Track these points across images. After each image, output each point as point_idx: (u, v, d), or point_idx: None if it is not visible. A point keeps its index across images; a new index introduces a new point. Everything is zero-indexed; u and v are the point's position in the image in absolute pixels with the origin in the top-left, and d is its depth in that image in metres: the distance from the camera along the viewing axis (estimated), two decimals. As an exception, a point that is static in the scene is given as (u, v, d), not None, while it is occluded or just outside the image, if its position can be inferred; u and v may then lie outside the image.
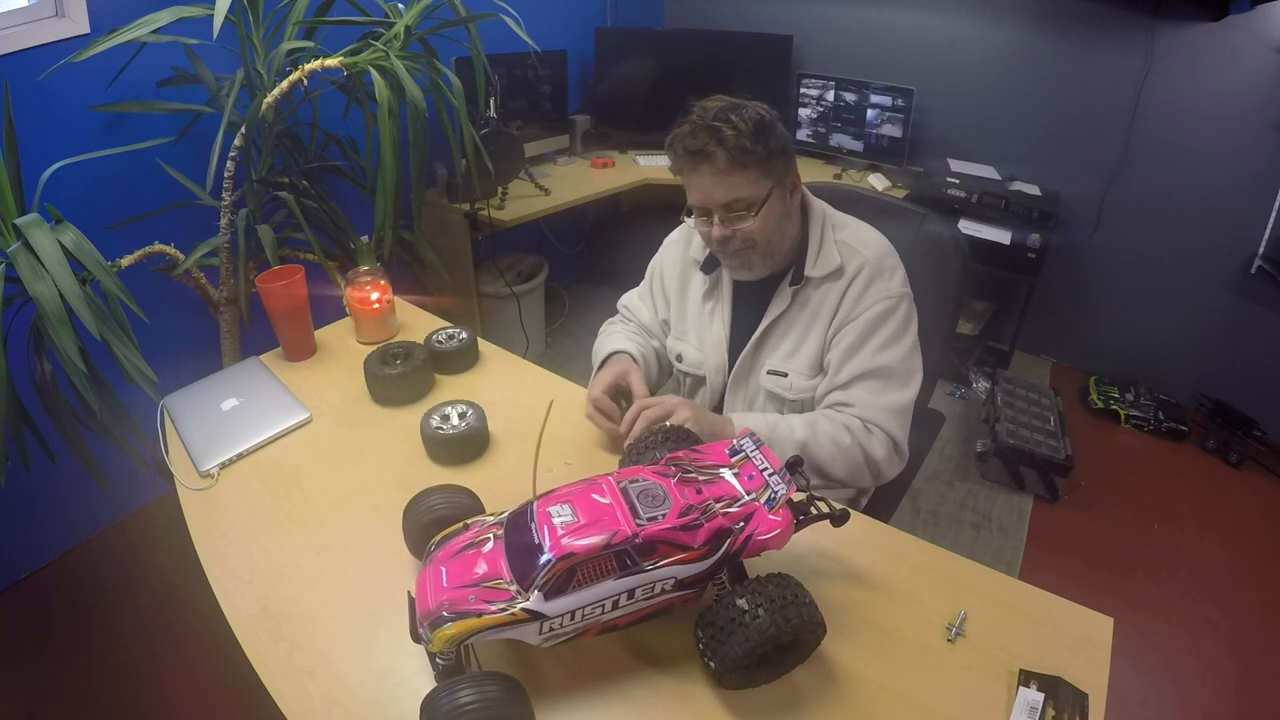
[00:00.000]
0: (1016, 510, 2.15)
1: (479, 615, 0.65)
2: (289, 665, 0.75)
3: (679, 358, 1.23)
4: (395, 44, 1.56)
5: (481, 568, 0.68)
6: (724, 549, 0.70)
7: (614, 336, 1.25)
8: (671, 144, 1.03)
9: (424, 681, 0.71)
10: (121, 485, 1.51)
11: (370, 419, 1.14)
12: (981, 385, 2.68)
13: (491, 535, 0.72)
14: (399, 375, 1.15)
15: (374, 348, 1.24)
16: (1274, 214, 2.25)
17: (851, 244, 1.09)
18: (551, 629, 0.67)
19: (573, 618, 0.67)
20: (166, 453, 1.09)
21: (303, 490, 0.99)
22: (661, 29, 3.24)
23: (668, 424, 0.95)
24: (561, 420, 1.14)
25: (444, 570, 0.69)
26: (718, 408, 1.20)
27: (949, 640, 0.77)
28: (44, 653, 1.69)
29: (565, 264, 3.20)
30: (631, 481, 0.73)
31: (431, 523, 0.80)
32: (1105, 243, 2.62)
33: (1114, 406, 2.55)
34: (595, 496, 0.71)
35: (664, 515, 0.68)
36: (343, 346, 1.34)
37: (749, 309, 1.15)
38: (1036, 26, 2.53)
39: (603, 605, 0.67)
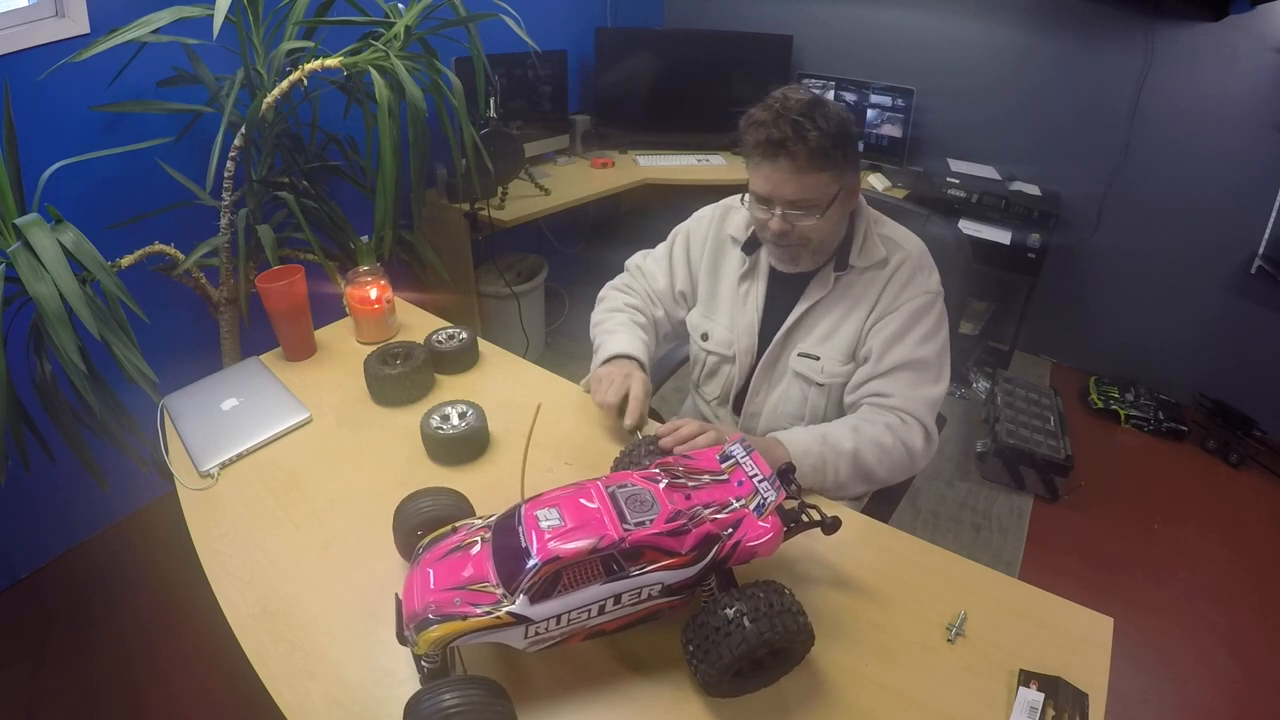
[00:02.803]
0: (1016, 510, 2.15)
1: (464, 618, 0.65)
2: (289, 665, 0.75)
3: (705, 336, 1.23)
4: (395, 44, 1.56)
5: (468, 570, 0.68)
6: (711, 555, 0.70)
7: (619, 333, 1.20)
8: (748, 129, 1.00)
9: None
10: (121, 485, 1.51)
11: (370, 419, 1.14)
12: (981, 385, 2.68)
13: (479, 538, 0.71)
14: (399, 375, 1.15)
15: (374, 348, 1.24)
16: (1274, 214, 2.25)
17: (893, 238, 1.11)
18: (537, 633, 0.67)
19: (558, 622, 0.67)
20: (166, 453, 1.09)
21: (303, 490, 0.99)
22: (661, 29, 3.24)
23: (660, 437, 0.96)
24: (562, 420, 1.14)
25: (431, 572, 0.69)
26: (743, 389, 1.21)
27: (949, 640, 0.77)
28: (44, 653, 1.69)
29: (565, 264, 3.20)
30: (620, 486, 0.72)
31: (419, 525, 0.80)
32: (1105, 243, 2.62)
33: (1114, 406, 2.55)
34: (583, 501, 0.71)
35: (651, 520, 0.68)
36: (343, 346, 1.34)
37: (783, 293, 1.15)
38: (1037, 26, 2.52)
39: (589, 610, 0.67)
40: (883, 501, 1.20)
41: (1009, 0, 2.55)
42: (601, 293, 1.32)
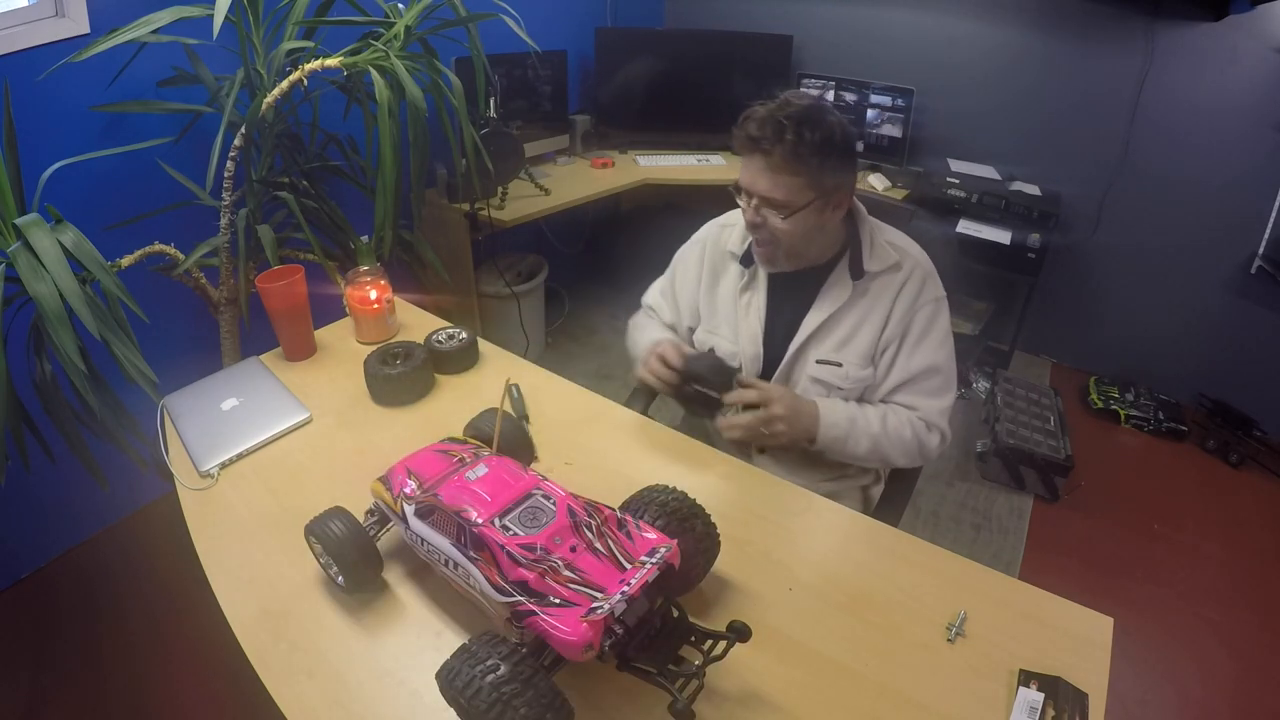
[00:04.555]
0: (1016, 510, 2.15)
1: (391, 490, 0.80)
2: (289, 665, 0.75)
3: (711, 350, 1.24)
4: (395, 44, 1.56)
5: (432, 467, 0.81)
6: (520, 602, 0.65)
7: (650, 328, 1.31)
8: (743, 119, 1.04)
9: (424, 682, 0.71)
10: (122, 485, 1.51)
11: (370, 419, 1.14)
12: (981, 385, 2.68)
13: (470, 458, 0.81)
14: (399, 375, 1.15)
15: (374, 348, 1.24)
16: (1274, 214, 2.25)
17: (899, 245, 1.14)
18: (411, 540, 0.78)
19: (421, 544, 0.76)
20: (166, 453, 1.09)
21: (303, 490, 0.99)
22: (661, 29, 3.24)
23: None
24: (563, 420, 1.14)
25: (426, 453, 0.84)
26: None
27: (949, 640, 0.77)
28: (44, 653, 1.69)
29: (565, 264, 3.20)
30: (545, 496, 0.74)
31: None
32: (1105, 243, 2.62)
33: (1114, 406, 2.55)
34: (507, 479, 0.76)
35: (514, 534, 0.69)
36: (343, 346, 1.34)
37: (788, 301, 1.17)
38: (1037, 26, 2.52)
39: (439, 556, 0.74)
40: (893, 506, 1.21)
41: (1009, 0, 2.55)
42: (629, 323, 1.38)
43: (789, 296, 1.16)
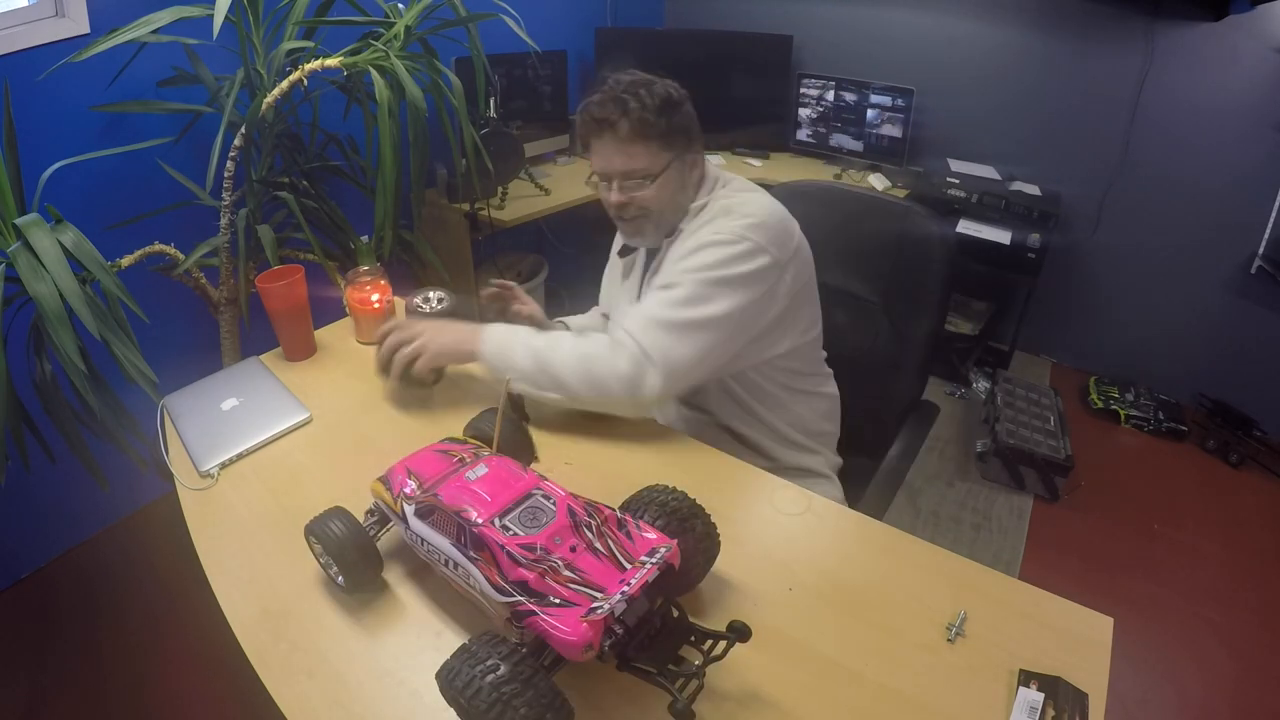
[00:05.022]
0: (1016, 510, 2.15)
1: (391, 490, 0.79)
2: (289, 665, 0.75)
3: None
4: (395, 44, 1.56)
5: (432, 467, 0.80)
6: (520, 602, 0.65)
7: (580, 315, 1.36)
8: (580, 111, 1.07)
9: (424, 682, 0.71)
10: (122, 485, 1.51)
11: (370, 419, 1.14)
12: (981, 385, 2.68)
13: (470, 458, 0.81)
14: (435, 316, 1.19)
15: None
16: (1274, 214, 2.25)
17: (726, 195, 1.12)
18: (411, 540, 0.78)
19: (421, 544, 0.76)
20: (166, 453, 1.09)
21: (303, 490, 0.99)
22: (661, 29, 3.24)
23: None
24: (563, 420, 1.14)
25: (426, 453, 0.83)
26: None
27: (949, 640, 0.77)
28: (44, 653, 1.69)
29: (565, 264, 3.20)
30: (545, 495, 0.74)
31: None
32: (1105, 243, 2.62)
33: (1114, 406, 2.55)
34: (507, 479, 0.76)
35: (512, 533, 0.69)
36: (343, 346, 1.33)
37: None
38: (1037, 26, 2.53)
39: (439, 556, 0.73)
40: (877, 496, 1.18)
41: (1009, 0, 2.55)
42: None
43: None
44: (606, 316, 1.35)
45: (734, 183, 1.16)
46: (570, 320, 1.36)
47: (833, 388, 1.27)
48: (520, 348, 1.03)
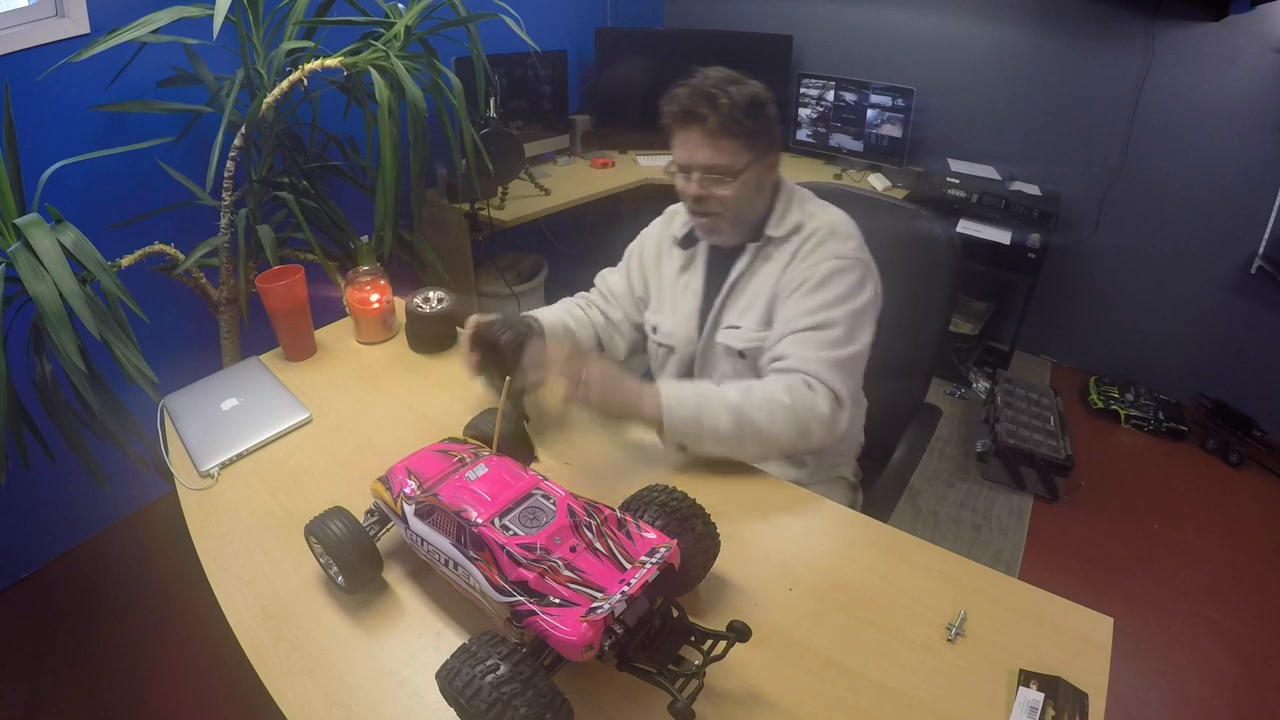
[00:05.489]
0: (1016, 510, 2.15)
1: (391, 491, 0.80)
2: (289, 665, 0.75)
3: (654, 329, 1.26)
4: (395, 44, 1.56)
5: (432, 467, 0.81)
6: (520, 602, 0.65)
7: (544, 309, 1.28)
8: (668, 101, 1.06)
9: (424, 682, 0.71)
10: (122, 485, 1.51)
11: (370, 419, 1.14)
12: (981, 385, 2.68)
13: (470, 458, 0.81)
14: (435, 316, 1.22)
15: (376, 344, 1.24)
16: (1274, 214, 2.25)
17: (813, 211, 1.13)
18: (411, 540, 0.78)
19: (421, 545, 0.76)
20: (166, 453, 1.09)
21: (303, 490, 0.99)
22: (661, 29, 3.24)
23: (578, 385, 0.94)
24: (564, 421, 1.14)
25: (426, 453, 0.84)
26: (685, 376, 1.23)
27: (949, 640, 0.77)
28: (44, 653, 1.69)
29: (565, 264, 3.20)
30: (545, 495, 0.74)
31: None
32: (1105, 243, 2.62)
33: (1114, 406, 2.55)
34: (507, 479, 0.76)
35: (512, 533, 0.69)
36: (343, 346, 1.33)
37: (718, 280, 1.18)
38: (1037, 26, 2.53)
39: (439, 556, 0.74)
40: (878, 502, 1.20)
41: (1009, 0, 2.55)
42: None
43: (720, 275, 1.17)
44: (604, 313, 1.31)
45: (808, 195, 1.16)
46: (541, 314, 1.25)
47: (862, 396, 1.25)
48: (716, 410, 0.97)
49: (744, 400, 0.98)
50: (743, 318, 1.14)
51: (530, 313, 1.24)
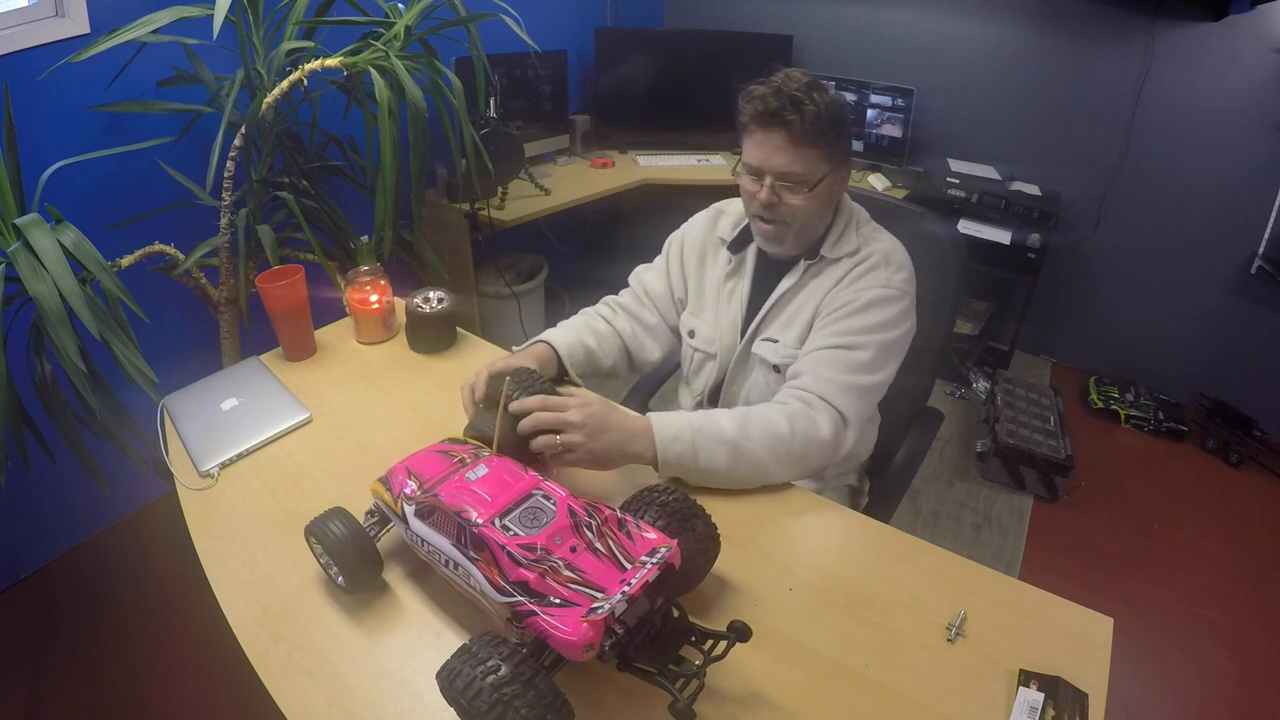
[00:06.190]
0: (1016, 510, 2.15)
1: (391, 491, 0.79)
2: (289, 665, 0.75)
3: (692, 333, 1.24)
4: (395, 44, 1.56)
5: (432, 468, 0.80)
6: (521, 602, 0.65)
7: (564, 323, 1.24)
8: (746, 101, 1.03)
9: (424, 682, 0.71)
10: (122, 485, 1.51)
11: (370, 419, 1.14)
12: (981, 385, 2.68)
13: (470, 458, 0.81)
14: (435, 316, 1.24)
15: (376, 343, 1.24)
16: (1274, 214, 2.25)
17: (871, 236, 1.12)
18: (411, 540, 0.78)
19: (422, 545, 0.76)
20: (166, 453, 1.09)
21: (303, 490, 0.99)
22: (661, 29, 3.24)
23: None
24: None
25: (426, 454, 0.83)
26: (719, 383, 1.22)
27: (949, 640, 0.77)
28: (44, 653, 1.69)
29: (565, 264, 3.20)
30: (545, 495, 0.74)
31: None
32: (1105, 243, 2.62)
33: (1114, 406, 2.55)
34: (507, 479, 0.76)
35: (512, 533, 0.69)
36: (343, 346, 1.33)
37: (766, 289, 1.15)
38: (1037, 26, 2.53)
39: (439, 556, 0.74)
40: (881, 505, 1.20)
41: (1009, 0, 2.55)
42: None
43: (768, 284, 1.15)
44: (636, 318, 1.27)
45: (866, 218, 1.14)
46: (557, 335, 1.20)
47: (877, 413, 1.23)
48: (711, 446, 0.93)
49: (741, 435, 0.95)
50: (783, 333, 1.12)
51: (545, 334, 1.20)
